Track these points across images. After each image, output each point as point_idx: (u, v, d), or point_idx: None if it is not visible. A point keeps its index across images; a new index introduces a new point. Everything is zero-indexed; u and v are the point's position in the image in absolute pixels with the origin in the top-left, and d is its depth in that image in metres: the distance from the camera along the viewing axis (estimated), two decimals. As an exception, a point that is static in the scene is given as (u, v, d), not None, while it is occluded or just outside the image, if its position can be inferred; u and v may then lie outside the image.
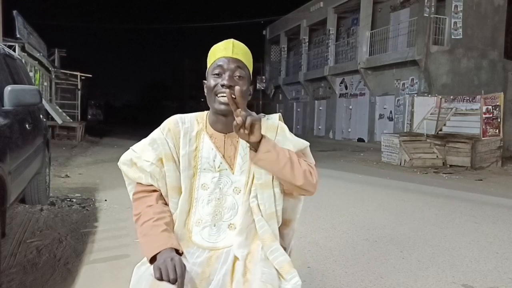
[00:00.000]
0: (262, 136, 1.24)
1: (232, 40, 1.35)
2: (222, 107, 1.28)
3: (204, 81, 1.36)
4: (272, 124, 1.38)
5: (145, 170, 1.33)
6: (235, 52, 1.31)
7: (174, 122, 1.39)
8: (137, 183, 1.38)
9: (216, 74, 1.30)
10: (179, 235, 1.32)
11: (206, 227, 1.32)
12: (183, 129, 1.37)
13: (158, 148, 1.35)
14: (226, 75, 1.28)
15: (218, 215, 1.33)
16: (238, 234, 1.31)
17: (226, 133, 1.36)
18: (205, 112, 1.42)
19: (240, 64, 1.30)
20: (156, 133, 1.39)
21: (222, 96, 1.27)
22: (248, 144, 1.28)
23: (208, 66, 1.35)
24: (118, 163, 1.41)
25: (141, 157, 1.35)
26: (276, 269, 1.27)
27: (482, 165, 9.77)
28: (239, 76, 1.30)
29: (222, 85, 1.27)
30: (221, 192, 1.34)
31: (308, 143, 1.40)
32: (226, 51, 1.31)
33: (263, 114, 1.44)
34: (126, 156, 1.39)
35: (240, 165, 1.35)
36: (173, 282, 1.12)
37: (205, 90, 1.34)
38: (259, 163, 1.27)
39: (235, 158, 1.35)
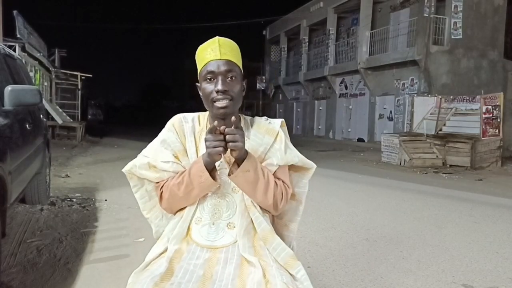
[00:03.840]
0: (247, 154, 1.25)
1: (217, 39, 1.33)
2: (221, 111, 1.30)
3: (197, 84, 1.37)
4: (273, 129, 1.39)
5: (167, 171, 1.34)
6: (223, 53, 1.30)
7: (179, 120, 1.41)
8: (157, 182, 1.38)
9: (209, 79, 1.30)
10: (179, 232, 1.33)
11: (205, 226, 1.33)
12: (186, 127, 1.39)
13: (169, 147, 1.36)
14: (219, 80, 1.28)
15: (217, 213, 1.34)
16: (240, 237, 1.31)
17: None
18: (207, 112, 1.43)
19: (230, 65, 1.30)
20: (164, 134, 1.40)
21: (219, 102, 1.28)
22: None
23: (198, 69, 1.35)
24: (126, 169, 1.38)
25: (157, 160, 1.35)
26: (281, 265, 1.27)
27: (482, 165, 9.77)
28: (231, 78, 1.30)
29: (217, 91, 1.28)
30: (220, 191, 1.35)
31: (299, 159, 1.39)
32: (214, 54, 1.30)
33: (266, 118, 1.45)
34: (141, 161, 1.37)
35: None
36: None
37: (200, 93, 1.35)
38: (234, 180, 1.28)
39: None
